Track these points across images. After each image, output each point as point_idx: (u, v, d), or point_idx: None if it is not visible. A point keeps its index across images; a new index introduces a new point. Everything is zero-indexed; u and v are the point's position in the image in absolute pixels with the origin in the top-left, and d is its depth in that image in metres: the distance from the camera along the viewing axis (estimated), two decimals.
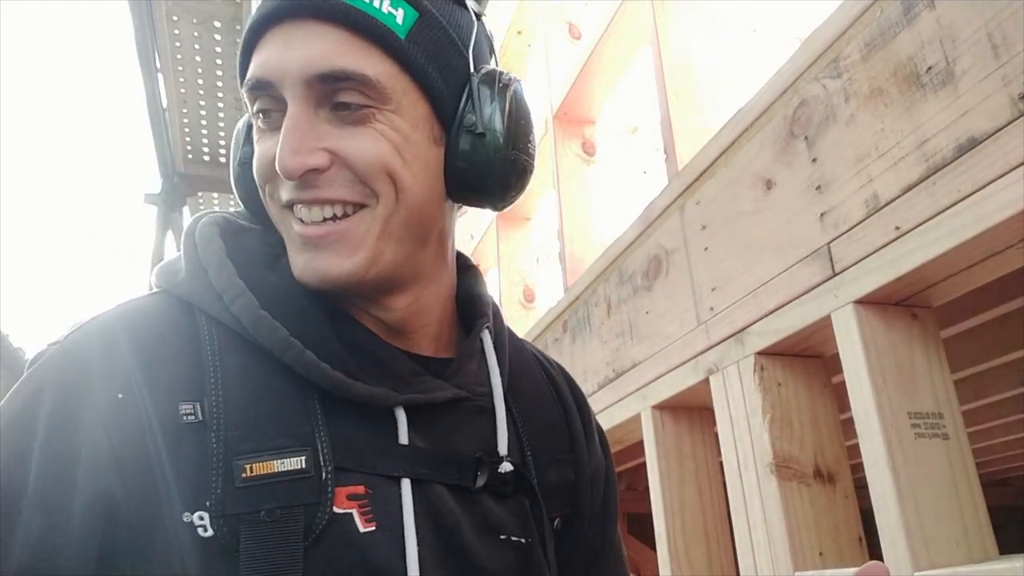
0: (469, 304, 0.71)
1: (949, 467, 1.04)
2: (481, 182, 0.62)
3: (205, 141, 3.50)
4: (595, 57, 2.24)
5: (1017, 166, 0.86)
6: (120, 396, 0.53)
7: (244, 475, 0.52)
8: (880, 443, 1.02)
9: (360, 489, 0.55)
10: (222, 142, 3.52)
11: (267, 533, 0.51)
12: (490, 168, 0.61)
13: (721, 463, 1.40)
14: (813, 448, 1.27)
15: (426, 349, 0.65)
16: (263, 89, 0.57)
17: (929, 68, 1.00)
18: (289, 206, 0.58)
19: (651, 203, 1.73)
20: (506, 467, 0.62)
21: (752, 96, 1.37)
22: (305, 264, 0.58)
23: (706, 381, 1.46)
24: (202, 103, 3.30)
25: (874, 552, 1.02)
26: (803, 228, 1.22)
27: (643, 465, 1.70)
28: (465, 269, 0.74)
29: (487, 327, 0.69)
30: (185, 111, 3.34)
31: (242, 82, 0.60)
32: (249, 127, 0.65)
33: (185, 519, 0.51)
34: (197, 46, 3.03)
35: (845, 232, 1.13)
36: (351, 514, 0.54)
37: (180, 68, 3.12)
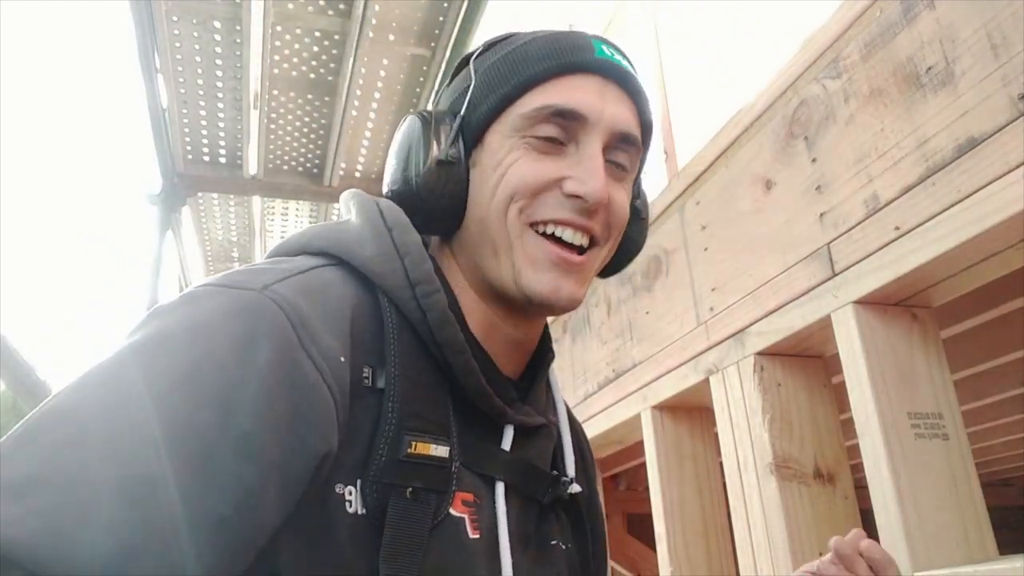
0: None
1: (949, 467, 1.04)
2: (618, 261, 0.71)
3: (205, 141, 3.50)
4: None
5: (1017, 166, 0.86)
6: (342, 359, 0.54)
7: (408, 450, 0.55)
8: (880, 443, 1.02)
9: (471, 497, 0.59)
10: (222, 142, 3.51)
11: (408, 509, 0.54)
12: (629, 255, 0.72)
13: (721, 463, 1.40)
14: (813, 448, 1.27)
15: (506, 370, 0.69)
16: (570, 119, 0.63)
17: (929, 68, 1.00)
18: (541, 224, 0.63)
19: (651, 203, 1.73)
20: (575, 488, 0.69)
21: (752, 96, 1.37)
22: (553, 283, 0.63)
23: (706, 381, 1.46)
24: (202, 103, 3.29)
25: None
26: (803, 228, 1.22)
27: (643, 465, 1.70)
28: None
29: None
30: (185, 111, 3.34)
31: (513, 92, 0.64)
32: (443, 136, 0.65)
33: (337, 490, 0.53)
34: (197, 46, 3.02)
35: (845, 232, 1.13)
36: (464, 519, 0.58)
37: (180, 68, 3.11)
